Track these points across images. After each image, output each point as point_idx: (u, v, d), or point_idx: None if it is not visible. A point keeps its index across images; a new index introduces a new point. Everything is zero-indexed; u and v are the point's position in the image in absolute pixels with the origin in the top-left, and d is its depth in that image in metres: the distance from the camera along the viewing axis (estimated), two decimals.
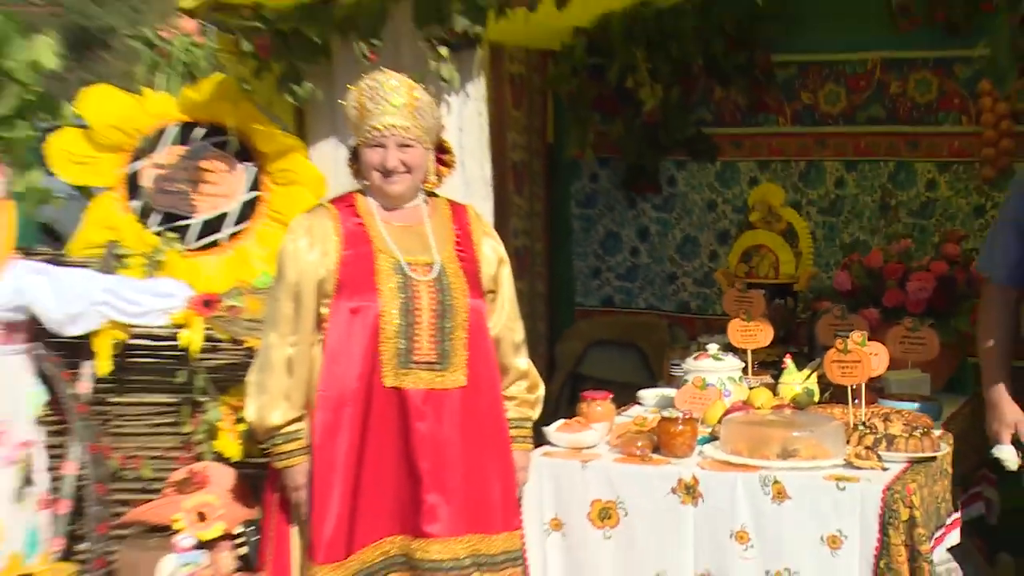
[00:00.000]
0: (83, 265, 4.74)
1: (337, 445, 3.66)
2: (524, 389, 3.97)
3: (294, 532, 3.76)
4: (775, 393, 4.38)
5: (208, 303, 4.53)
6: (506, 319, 3.93)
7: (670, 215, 6.25)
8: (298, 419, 3.65)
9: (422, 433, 3.66)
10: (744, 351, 4.50)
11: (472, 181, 4.49)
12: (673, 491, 3.82)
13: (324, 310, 3.64)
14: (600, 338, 6.07)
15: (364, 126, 3.63)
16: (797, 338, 4.77)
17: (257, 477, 4.19)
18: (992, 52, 4.44)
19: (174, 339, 4.61)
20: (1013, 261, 3.76)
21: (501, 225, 5.60)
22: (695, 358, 4.52)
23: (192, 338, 4.55)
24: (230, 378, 4.68)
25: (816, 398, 4.36)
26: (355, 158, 3.78)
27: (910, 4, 5.15)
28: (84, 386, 4.64)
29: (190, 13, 4.79)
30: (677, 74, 5.90)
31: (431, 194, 3.87)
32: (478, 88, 4.62)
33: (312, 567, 3.62)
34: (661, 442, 4.00)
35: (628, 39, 5.78)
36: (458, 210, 3.93)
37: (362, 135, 3.64)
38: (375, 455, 3.69)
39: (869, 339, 4.13)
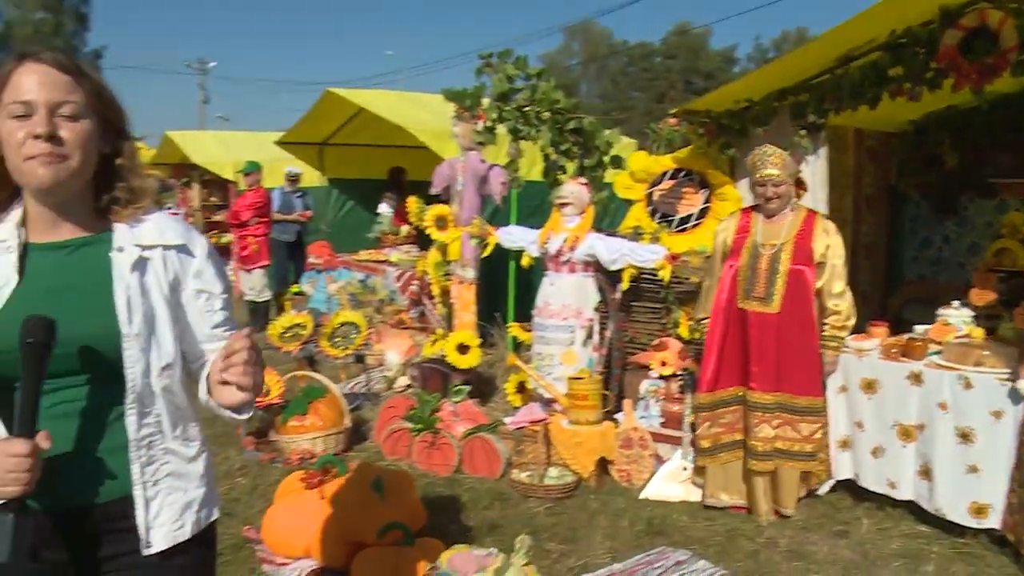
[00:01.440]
0: (622, 236, 5.40)
1: (715, 332, 4.27)
2: (833, 319, 4.16)
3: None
4: (994, 332, 4.37)
5: (675, 257, 5.00)
6: (827, 279, 4.12)
7: (963, 229, 6.08)
8: (706, 317, 4.36)
9: (753, 334, 4.14)
10: (977, 305, 4.56)
11: (818, 202, 4.72)
12: (907, 377, 4.09)
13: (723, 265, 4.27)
14: (915, 297, 5.98)
15: (757, 174, 4.13)
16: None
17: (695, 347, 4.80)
18: None
19: (657, 274, 5.10)
20: None
21: (855, 229, 5.88)
22: (944, 308, 4.62)
23: (666, 274, 5.01)
24: (684, 296, 5.22)
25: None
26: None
27: None
28: (616, 294, 5.32)
29: (674, 115, 5.41)
30: (969, 147, 5.75)
31: (799, 205, 4.23)
32: (822, 151, 4.82)
33: (698, 393, 4.36)
34: (906, 350, 4.24)
35: (939, 127, 5.75)
36: (810, 214, 4.20)
37: (755, 178, 4.14)
38: (730, 341, 4.23)
39: None
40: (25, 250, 1.55)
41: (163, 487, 1.61)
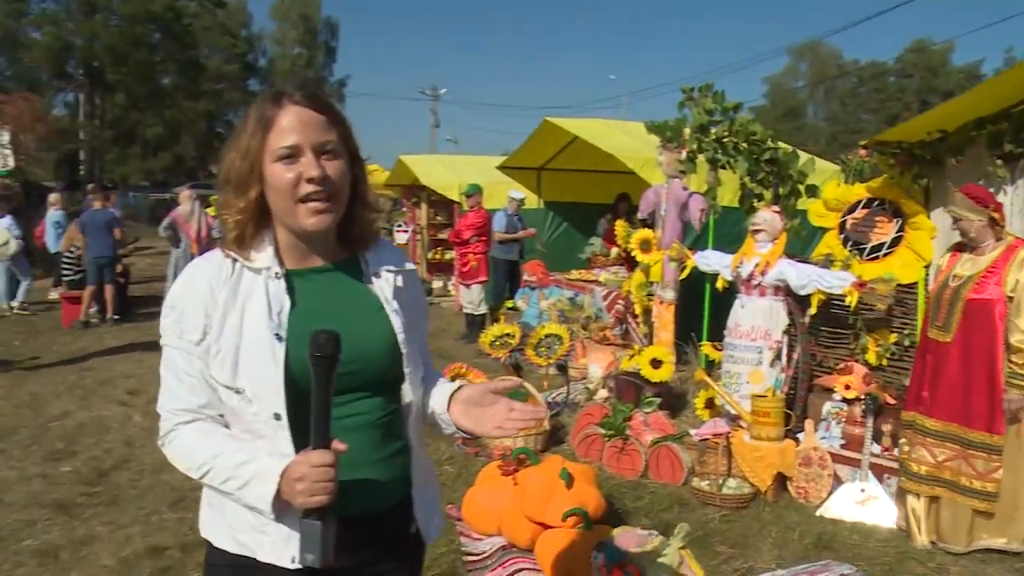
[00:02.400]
0: (814, 263, 5.51)
1: (916, 358, 4.51)
2: (1018, 356, 4.01)
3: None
4: None
5: (861, 284, 5.07)
6: (1012, 313, 4.04)
7: None
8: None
9: (929, 361, 4.29)
10: None
11: (1019, 230, 4.62)
12: None
13: None
14: None
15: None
16: None
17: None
18: None
19: (843, 300, 5.22)
20: None
21: None
22: None
23: (852, 300, 5.14)
24: (873, 323, 5.37)
25: None
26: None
27: None
28: (805, 318, 5.50)
29: (864, 146, 5.51)
30: None
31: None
32: (1021, 181, 4.75)
33: (904, 410, 4.49)
34: None
35: None
36: (1013, 246, 4.15)
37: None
38: (919, 366, 4.42)
39: None
40: (287, 276, 1.66)
41: (425, 484, 1.78)
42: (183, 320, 1.62)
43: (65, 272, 11.46)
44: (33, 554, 4.09)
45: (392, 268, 1.75)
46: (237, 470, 1.55)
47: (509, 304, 10.39)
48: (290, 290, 1.63)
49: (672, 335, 6.77)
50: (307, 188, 1.56)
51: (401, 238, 17.96)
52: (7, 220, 11.82)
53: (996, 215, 4.19)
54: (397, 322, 1.69)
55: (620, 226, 7.81)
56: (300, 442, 1.54)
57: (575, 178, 11.07)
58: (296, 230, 1.63)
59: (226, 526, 1.66)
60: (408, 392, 1.71)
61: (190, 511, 4.60)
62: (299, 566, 1.54)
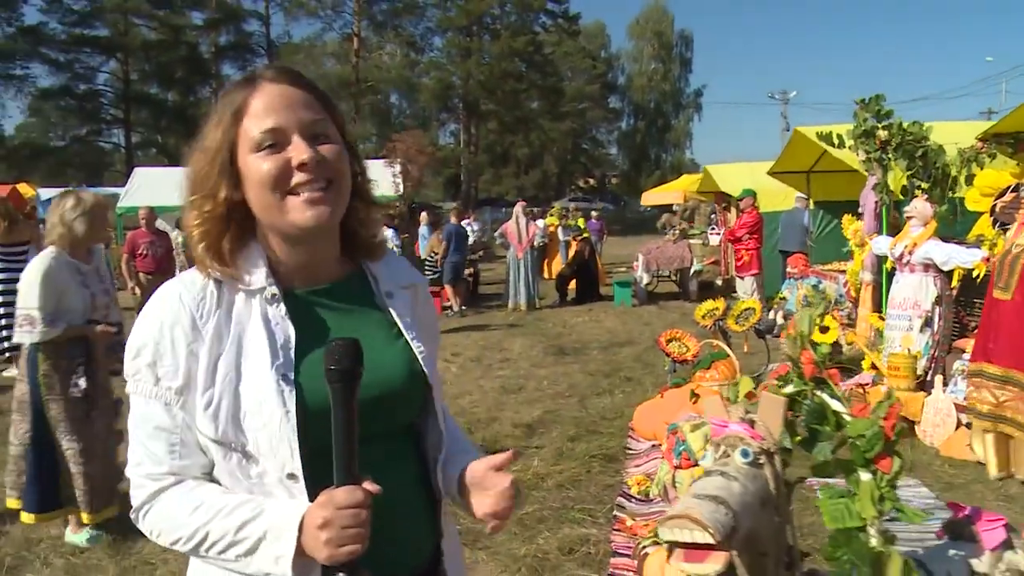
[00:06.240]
0: (969, 244, 6.25)
1: (983, 319, 5.25)
2: None
3: None
4: None
5: (988, 259, 5.69)
6: None
7: None
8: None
9: (993, 317, 5.06)
10: None
11: None
12: None
13: None
14: None
15: None
16: None
17: None
18: None
19: (973, 272, 5.92)
20: None
21: None
22: None
23: (980, 271, 5.82)
24: None
25: None
26: None
27: None
28: (951, 289, 6.23)
29: (981, 139, 6.08)
30: None
31: None
32: None
33: (971, 362, 5.32)
34: None
35: None
36: None
37: None
38: (986, 322, 5.17)
39: None
40: (286, 298, 1.33)
41: (451, 536, 1.50)
42: (160, 362, 1.28)
43: (426, 272, 14.64)
44: None
45: (403, 283, 1.49)
46: (240, 532, 1.22)
47: (780, 295, 11.62)
48: (292, 317, 1.32)
49: (870, 311, 7.81)
50: (299, 176, 1.27)
51: (713, 240, 19.47)
52: (390, 232, 15.38)
53: None
54: (420, 350, 1.42)
55: (846, 219, 8.92)
56: (311, 496, 1.23)
57: (841, 177, 11.93)
58: (289, 232, 1.31)
59: None
60: (439, 431, 1.44)
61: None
62: None
